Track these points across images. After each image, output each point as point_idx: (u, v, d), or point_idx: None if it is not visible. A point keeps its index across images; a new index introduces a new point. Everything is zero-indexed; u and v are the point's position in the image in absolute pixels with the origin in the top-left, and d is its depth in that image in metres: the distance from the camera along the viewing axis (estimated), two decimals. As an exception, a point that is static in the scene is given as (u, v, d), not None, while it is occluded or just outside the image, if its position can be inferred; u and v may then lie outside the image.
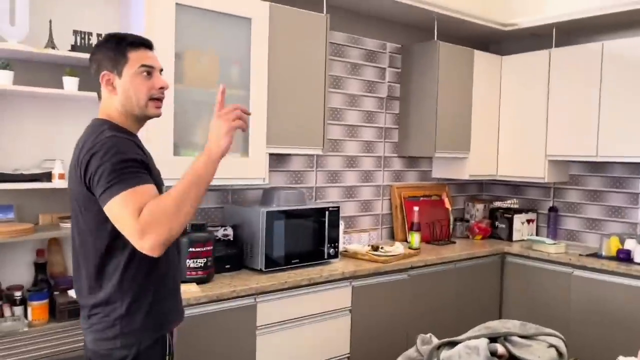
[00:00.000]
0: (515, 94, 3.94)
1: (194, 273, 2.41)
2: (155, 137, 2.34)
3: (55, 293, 2.28)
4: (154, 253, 1.32)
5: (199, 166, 1.40)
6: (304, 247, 2.85)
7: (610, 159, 3.44)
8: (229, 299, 2.39)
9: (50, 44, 2.20)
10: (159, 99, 1.57)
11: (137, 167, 1.38)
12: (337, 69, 3.46)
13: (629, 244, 3.33)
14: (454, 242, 3.84)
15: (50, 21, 2.25)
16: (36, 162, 2.30)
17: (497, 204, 4.19)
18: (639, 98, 3.29)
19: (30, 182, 2.15)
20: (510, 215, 3.97)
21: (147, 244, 1.30)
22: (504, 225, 4.01)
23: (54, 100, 2.33)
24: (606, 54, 3.43)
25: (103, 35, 1.67)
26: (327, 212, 2.92)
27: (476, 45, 4.13)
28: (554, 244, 3.55)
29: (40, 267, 2.32)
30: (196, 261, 2.42)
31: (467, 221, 4.16)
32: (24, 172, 2.18)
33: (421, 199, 3.95)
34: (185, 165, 1.45)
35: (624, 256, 3.31)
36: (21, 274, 2.33)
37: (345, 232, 3.47)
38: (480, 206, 4.22)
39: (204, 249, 2.45)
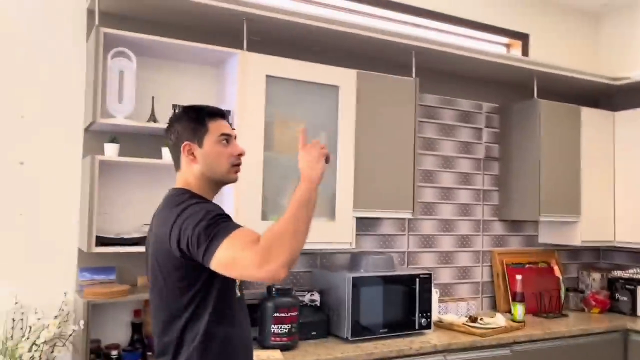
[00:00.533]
0: (632, 152, 3.59)
1: (277, 339, 2.39)
2: (244, 203, 2.42)
3: (149, 353, 2.36)
4: (280, 275, 1.31)
5: (302, 191, 1.45)
6: (394, 316, 2.72)
7: None
8: (314, 369, 2.32)
9: (152, 117, 2.40)
10: (238, 165, 1.62)
11: (229, 218, 1.44)
12: (429, 131, 3.40)
13: None
14: (566, 315, 3.47)
15: (153, 97, 2.47)
16: (137, 227, 2.47)
17: (617, 273, 3.75)
18: None
19: (131, 246, 2.30)
20: (633, 287, 3.53)
21: (270, 267, 1.29)
22: (625, 298, 3.56)
23: (154, 169, 2.51)
24: None
25: (179, 108, 1.77)
26: (417, 279, 2.79)
27: (584, 101, 3.87)
28: (689, 322, 3.07)
29: (136, 327, 2.42)
30: (280, 327, 2.40)
31: (582, 292, 3.76)
32: (125, 237, 2.34)
33: (526, 266, 3.65)
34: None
35: None
36: (119, 333, 2.45)
37: (440, 301, 3.27)
38: (596, 275, 3.81)
39: (289, 314, 2.42)
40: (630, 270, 3.76)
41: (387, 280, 2.72)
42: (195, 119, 1.58)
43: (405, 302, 2.76)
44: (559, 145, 3.46)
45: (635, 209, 3.54)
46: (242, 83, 2.47)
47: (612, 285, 3.67)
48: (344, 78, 2.73)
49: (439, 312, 3.19)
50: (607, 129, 3.68)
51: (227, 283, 1.50)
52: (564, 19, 4.02)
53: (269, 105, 2.53)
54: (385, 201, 2.83)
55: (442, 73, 3.43)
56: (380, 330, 2.67)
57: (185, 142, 1.58)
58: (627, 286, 3.55)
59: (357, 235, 3.04)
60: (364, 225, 3.12)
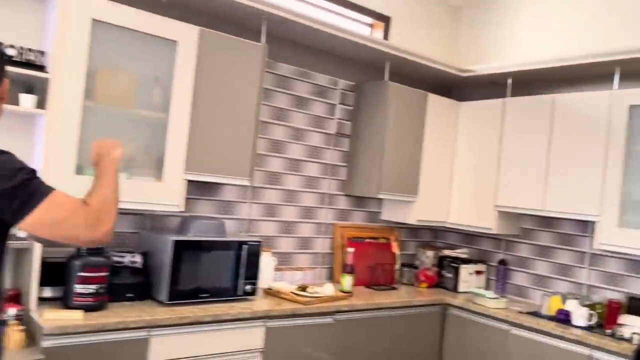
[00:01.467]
0: (470, 141, 3.86)
1: (81, 299, 2.28)
2: (56, 154, 2.25)
3: None
4: (109, 237, 1.34)
5: (110, 162, 1.46)
6: (217, 282, 2.71)
7: (557, 215, 3.32)
8: (115, 330, 2.24)
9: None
10: None
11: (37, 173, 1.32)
12: (281, 101, 3.39)
13: (570, 305, 3.17)
14: (396, 289, 3.69)
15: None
16: None
17: (447, 252, 4.04)
18: (586, 154, 3.19)
19: None
20: (457, 265, 3.83)
21: (103, 228, 1.32)
22: (450, 275, 3.85)
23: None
24: (557, 107, 3.36)
25: None
26: (245, 246, 2.80)
27: (437, 89, 4.08)
28: (495, 298, 3.39)
29: None
30: (86, 287, 2.29)
31: (416, 268, 4.01)
32: None
33: (366, 240, 3.82)
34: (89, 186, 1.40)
35: (563, 317, 3.15)
36: None
37: (277, 269, 3.33)
38: (430, 253, 4.08)
39: (97, 274, 2.32)
40: (458, 250, 4.08)
41: (213, 246, 2.69)
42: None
43: (231, 268, 2.76)
44: (404, 127, 3.62)
45: (466, 194, 3.82)
46: (63, 25, 2.27)
47: (441, 262, 3.95)
48: (184, 34, 2.62)
49: (275, 280, 3.24)
50: (452, 118, 3.92)
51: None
52: (426, 8, 4.18)
53: (94, 52, 2.36)
54: (222, 166, 2.79)
55: (299, 44, 3.43)
56: (200, 295, 2.65)
57: None
58: (453, 264, 3.85)
59: (191, 199, 2.99)
60: (201, 189, 3.06)
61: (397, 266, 3.92)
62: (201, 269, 2.65)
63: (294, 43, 3.40)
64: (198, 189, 3.04)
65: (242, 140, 2.84)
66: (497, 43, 4.10)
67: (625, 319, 2.98)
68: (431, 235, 4.36)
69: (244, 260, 2.79)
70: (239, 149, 2.84)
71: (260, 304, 2.81)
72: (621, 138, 3.04)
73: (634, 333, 2.86)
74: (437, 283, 3.90)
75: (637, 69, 3.15)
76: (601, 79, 3.38)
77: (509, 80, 3.74)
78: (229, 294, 2.76)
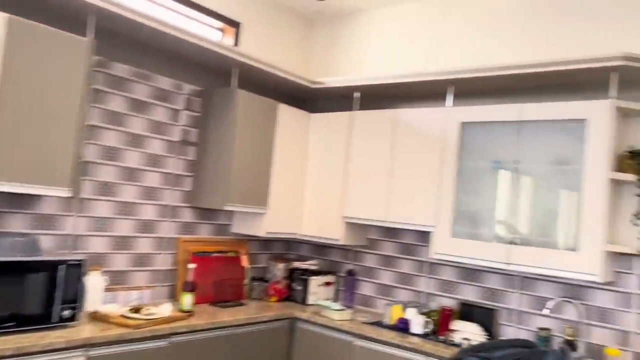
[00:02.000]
0: (320, 153, 3.86)
1: None
2: None
3: None
4: None
5: None
6: (26, 309, 2.35)
7: (398, 225, 3.42)
8: None
9: None
10: None
11: None
12: (115, 104, 3.09)
13: (409, 313, 3.27)
14: (244, 304, 3.54)
15: None
16: None
17: (296, 264, 4.00)
18: (424, 168, 3.33)
19: None
20: (306, 277, 3.79)
21: None
22: (300, 288, 3.80)
23: None
24: (399, 122, 3.47)
25: None
26: (63, 266, 2.47)
27: (293, 100, 4.04)
28: (340, 310, 3.39)
29: None
30: None
31: (267, 281, 3.91)
32: None
33: (213, 255, 3.62)
34: None
35: (403, 326, 3.24)
36: None
37: (109, 290, 3.01)
38: (282, 266, 4.00)
39: None
40: (309, 262, 4.05)
41: (19, 267, 2.33)
42: None
43: (44, 292, 2.41)
44: (253, 137, 3.51)
45: (318, 206, 3.81)
46: None
47: (292, 275, 3.89)
48: (-13, 21, 2.25)
49: (105, 302, 2.92)
50: (303, 129, 3.89)
51: None
52: (281, 17, 4.14)
53: None
54: (35, 175, 2.44)
55: (138, 43, 3.17)
56: (3, 325, 2.27)
57: None
58: (302, 276, 3.80)
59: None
60: (12, 201, 2.66)
61: (247, 281, 3.78)
62: (5, 295, 2.27)
63: (133, 42, 3.13)
64: (8, 201, 2.63)
65: (61, 145, 2.51)
66: (349, 57, 4.18)
67: (456, 324, 3.13)
68: (284, 247, 4.29)
69: (61, 281, 2.46)
70: (57, 155, 2.50)
71: (80, 331, 2.49)
72: (454, 153, 3.22)
73: (464, 338, 3.01)
74: (288, 296, 3.83)
75: (468, 89, 3.36)
76: (438, 96, 3.57)
77: (357, 94, 3.81)
78: (41, 321, 2.40)
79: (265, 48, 4.00)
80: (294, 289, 3.83)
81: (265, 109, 3.60)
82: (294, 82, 3.71)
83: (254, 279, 3.86)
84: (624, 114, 2.84)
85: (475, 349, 1.84)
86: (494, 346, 1.83)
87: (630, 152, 2.77)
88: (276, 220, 3.70)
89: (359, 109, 3.77)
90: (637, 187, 2.76)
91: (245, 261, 3.81)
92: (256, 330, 3.28)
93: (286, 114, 3.75)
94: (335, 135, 3.78)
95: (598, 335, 2.92)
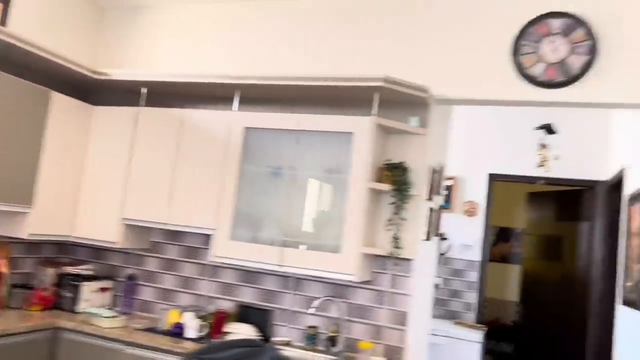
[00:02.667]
0: (102, 149, 3.60)
1: None
2: None
3: None
4: None
5: None
6: None
7: (181, 228, 3.34)
8: None
9: None
10: None
11: None
12: None
13: (185, 318, 3.21)
14: (-4, 315, 3.12)
15: None
16: None
17: (69, 269, 3.67)
18: (208, 170, 3.31)
19: None
20: (77, 283, 3.49)
21: None
22: (70, 294, 3.49)
23: None
24: (185, 122, 3.41)
25: None
26: None
27: (74, 90, 3.70)
28: (111, 317, 3.18)
29: None
30: None
31: (32, 288, 3.50)
32: None
33: (-40, 259, 3.13)
34: None
35: (178, 330, 3.16)
36: None
37: None
38: (51, 271, 3.62)
39: None
40: (83, 266, 3.75)
41: None
42: None
43: None
44: (17, 126, 3.13)
45: (96, 206, 3.54)
46: None
47: (61, 281, 3.55)
48: None
49: None
50: (83, 122, 3.59)
51: None
52: (66, 1, 3.78)
53: None
54: None
55: None
56: None
57: None
58: (73, 282, 3.50)
59: None
60: None
61: (5, 288, 3.34)
62: None
63: None
64: None
65: None
66: (141, 51, 3.98)
67: (231, 327, 3.17)
68: (56, 250, 3.90)
69: None
70: None
71: None
72: (237, 157, 3.26)
73: (236, 339, 3.05)
74: (54, 304, 3.49)
75: (254, 95, 3.45)
76: (226, 100, 3.60)
77: (144, 90, 3.65)
78: None
79: (43, 31, 3.61)
80: (62, 296, 3.50)
81: (33, 96, 3.23)
82: (73, 70, 3.41)
83: (15, 285, 3.43)
84: (384, 130, 3.17)
85: (201, 352, 1.85)
86: (219, 347, 1.87)
87: (388, 164, 3.10)
88: (44, 220, 3.35)
89: (146, 106, 3.61)
90: (391, 196, 3.09)
91: (3, 266, 3.36)
92: (10, 343, 2.91)
93: (61, 103, 3.42)
94: (118, 131, 3.56)
95: (357, 330, 3.20)
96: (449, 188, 5.67)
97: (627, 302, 3.70)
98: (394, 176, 3.08)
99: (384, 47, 3.35)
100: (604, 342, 4.58)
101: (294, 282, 3.37)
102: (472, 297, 5.53)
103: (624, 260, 3.89)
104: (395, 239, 3.07)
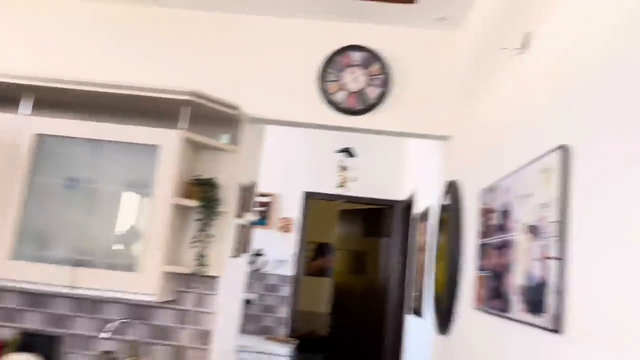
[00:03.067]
0: None
1: None
2: None
3: None
4: None
5: None
6: None
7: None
8: None
9: None
10: None
11: None
12: None
13: (-51, 352, 2.75)
14: None
15: None
16: None
17: None
18: (-13, 179, 2.90)
19: None
20: None
21: None
22: None
23: None
24: (-39, 122, 2.96)
25: None
26: None
27: None
28: None
29: None
30: None
31: None
32: None
33: None
34: None
35: (-63, 368, 2.69)
36: None
37: None
38: None
39: None
40: None
41: None
42: None
43: None
44: None
45: None
46: None
47: None
48: None
49: None
50: None
51: None
52: None
53: None
54: None
55: None
56: None
57: None
58: None
59: None
60: None
61: None
62: None
63: None
64: None
65: None
66: None
67: (10, 358, 2.79)
68: None
69: None
70: None
71: None
72: (25, 166, 2.91)
73: (13, 373, 2.70)
74: None
75: (49, 99, 3.13)
76: (15, 102, 3.21)
77: None
78: None
79: None
80: None
81: None
82: None
83: None
84: (194, 146, 3.12)
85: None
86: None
87: (196, 180, 3.05)
88: None
89: None
90: (198, 212, 3.04)
91: None
92: None
93: None
94: None
95: (157, 353, 3.05)
96: (265, 205, 5.80)
97: (413, 310, 4.13)
98: (203, 192, 3.03)
99: (200, 63, 3.31)
100: (397, 346, 5.06)
101: (90, 304, 3.11)
102: (285, 312, 5.68)
103: (413, 272, 4.35)
104: (201, 256, 3.02)
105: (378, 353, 5.50)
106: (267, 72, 3.29)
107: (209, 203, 3.03)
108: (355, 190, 5.57)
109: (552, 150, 1.54)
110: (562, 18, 1.69)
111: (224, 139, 3.18)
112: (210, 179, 3.10)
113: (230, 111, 3.07)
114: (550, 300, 1.44)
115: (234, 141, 3.22)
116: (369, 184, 5.68)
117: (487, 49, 2.58)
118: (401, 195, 5.60)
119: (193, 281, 3.12)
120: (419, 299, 3.81)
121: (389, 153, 5.80)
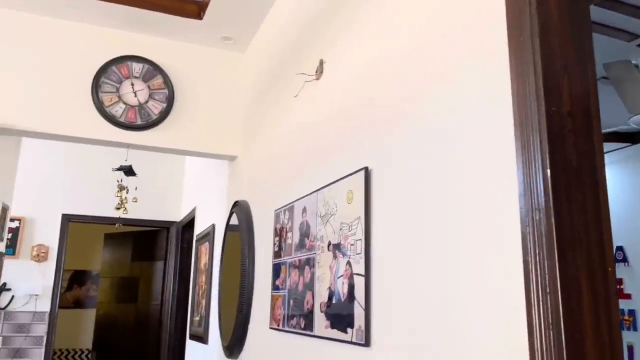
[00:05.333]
0: None
1: None
2: None
3: None
4: None
5: None
6: None
7: None
8: None
9: None
10: None
11: None
12: None
13: None
14: None
15: None
16: None
17: None
18: None
19: None
20: None
21: None
22: None
23: None
24: None
25: None
26: None
27: None
28: None
29: None
30: None
31: None
32: None
33: None
34: None
35: None
36: None
37: None
38: None
39: None
40: None
41: None
42: None
43: None
44: None
45: None
46: None
47: None
48: None
49: None
50: None
51: None
52: None
53: None
54: None
55: None
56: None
57: None
58: None
59: None
60: None
61: None
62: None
63: None
64: None
65: None
66: None
67: None
68: None
69: None
70: None
71: None
72: None
73: None
74: None
75: None
76: None
77: None
78: None
79: None
80: None
81: None
82: None
83: None
84: None
85: None
86: None
87: None
88: None
89: None
90: None
91: None
92: None
93: None
94: None
95: None
96: (14, 230, 4.93)
97: (193, 336, 3.96)
98: None
99: None
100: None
101: None
102: (39, 354, 4.88)
103: (195, 296, 4.18)
104: None
105: (153, 385, 5.12)
106: (30, 78, 2.81)
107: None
108: (134, 212, 5.13)
109: (357, 171, 1.63)
110: (353, 46, 1.82)
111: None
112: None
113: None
114: (357, 315, 1.51)
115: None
116: (145, 203, 5.30)
117: (275, 73, 2.64)
118: (178, 216, 5.37)
119: None
120: (202, 323, 3.66)
121: (169, 171, 5.52)
